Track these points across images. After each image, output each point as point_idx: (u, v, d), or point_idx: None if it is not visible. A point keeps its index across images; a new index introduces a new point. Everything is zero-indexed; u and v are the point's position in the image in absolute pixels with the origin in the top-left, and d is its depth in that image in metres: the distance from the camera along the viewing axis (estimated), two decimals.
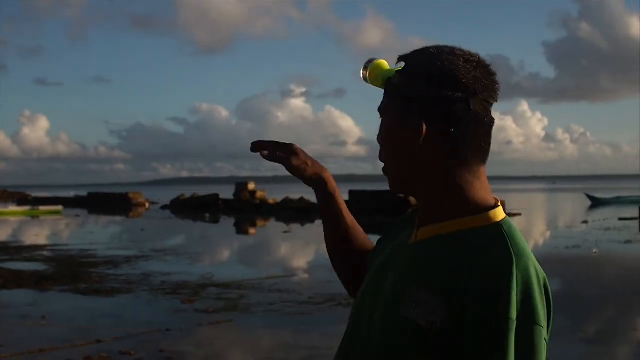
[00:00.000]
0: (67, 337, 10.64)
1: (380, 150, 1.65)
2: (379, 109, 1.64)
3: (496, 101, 1.59)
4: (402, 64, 1.62)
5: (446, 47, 1.59)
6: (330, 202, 1.90)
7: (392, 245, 1.70)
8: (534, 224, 38.36)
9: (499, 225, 1.52)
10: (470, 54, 1.58)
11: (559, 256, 22.12)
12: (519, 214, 43.17)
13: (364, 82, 1.68)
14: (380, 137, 1.63)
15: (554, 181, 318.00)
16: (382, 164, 1.66)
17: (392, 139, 1.60)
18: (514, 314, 1.39)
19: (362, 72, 1.67)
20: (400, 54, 1.63)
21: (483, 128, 1.57)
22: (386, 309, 1.54)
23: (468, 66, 1.54)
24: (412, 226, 1.66)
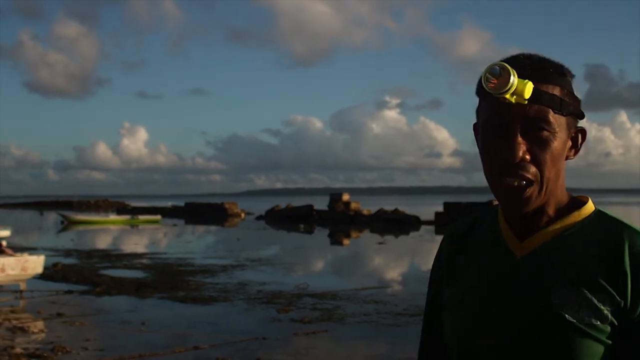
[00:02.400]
0: (166, 344, 10.84)
1: (535, 171, 1.52)
2: (540, 131, 1.51)
3: None
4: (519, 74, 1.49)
5: (520, 53, 1.59)
6: None
7: (479, 271, 1.62)
8: None
9: (602, 210, 1.59)
10: None
11: None
12: None
13: (494, 91, 1.47)
14: (549, 156, 1.52)
15: None
16: (525, 186, 1.51)
17: (560, 154, 1.55)
18: None
19: (512, 79, 1.45)
20: (521, 63, 1.54)
21: None
22: (544, 327, 1.50)
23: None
24: (489, 240, 1.64)
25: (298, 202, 71.75)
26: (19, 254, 16.76)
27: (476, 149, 1.63)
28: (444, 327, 1.68)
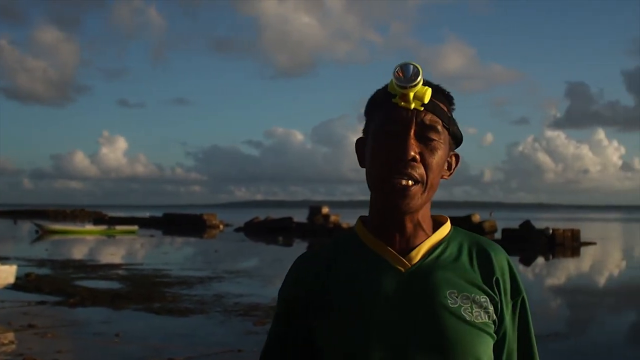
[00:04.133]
0: (140, 356, 10.68)
1: (422, 172, 1.67)
2: (430, 137, 1.68)
3: None
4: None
5: None
6: None
7: (368, 294, 1.67)
8: (609, 254, 37.74)
9: (456, 226, 1.81)
10: None
11: (635, 287, 21.67)
12: (594, 243, 42.49)
13: (403, 82, 1.64)
14: (435, 162, 1.69)
15: (631, 211, 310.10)
16: (412, 185, 1.67)
17: (442, 166, 1.72)
18: None
19: (420, 76, 1.64)
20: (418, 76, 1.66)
21: None
22: (449, 330, 1.62)
23: None
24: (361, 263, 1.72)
25: (278, 214, 71.57)
26: None
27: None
28: (330, 350, 1.68)
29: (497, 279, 1.70)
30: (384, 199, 1.68)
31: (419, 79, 1.62)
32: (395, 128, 1.66)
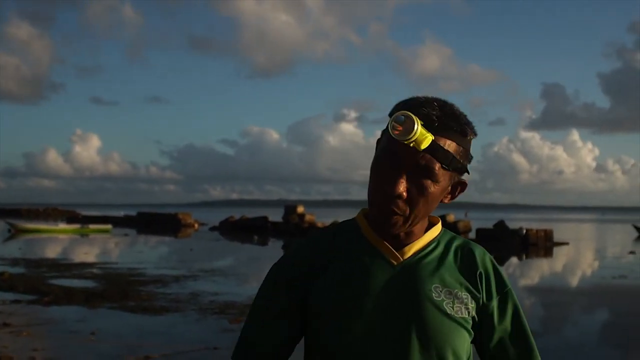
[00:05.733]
0: (116, 353, 10.66)
1: (405, 208, 1.75)
2: (423, 177, 1.73)
3: None
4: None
5: (436, 98, 1.78)
6: None
7: (360, 280, 1.79)
8: (581, 254, 37.93)
9: (445, 229, 1.93)
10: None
11: (606, 286, 21.83)
12: (567, 244, 42.85)
13: (398, 137, 1.67)
14: (422, 200, 1.75)
15: (604, 212, 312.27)
16: (400, 214, 1.75)
17: (435, 199, 1.79)
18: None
19: (415, 128, 1.65)
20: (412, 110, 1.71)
21: None
22: (432, 321, 1.76)
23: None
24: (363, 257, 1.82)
25: (253, 213, 71.46)
26: None
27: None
28: (316, 333, 1.83)
29: (480, 273, 1.84)
30: (372, 219, 1.82)
31: (413, 133, 1.65)
32: (392, 160, 1.72)
